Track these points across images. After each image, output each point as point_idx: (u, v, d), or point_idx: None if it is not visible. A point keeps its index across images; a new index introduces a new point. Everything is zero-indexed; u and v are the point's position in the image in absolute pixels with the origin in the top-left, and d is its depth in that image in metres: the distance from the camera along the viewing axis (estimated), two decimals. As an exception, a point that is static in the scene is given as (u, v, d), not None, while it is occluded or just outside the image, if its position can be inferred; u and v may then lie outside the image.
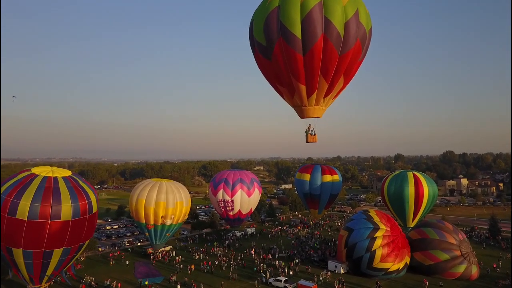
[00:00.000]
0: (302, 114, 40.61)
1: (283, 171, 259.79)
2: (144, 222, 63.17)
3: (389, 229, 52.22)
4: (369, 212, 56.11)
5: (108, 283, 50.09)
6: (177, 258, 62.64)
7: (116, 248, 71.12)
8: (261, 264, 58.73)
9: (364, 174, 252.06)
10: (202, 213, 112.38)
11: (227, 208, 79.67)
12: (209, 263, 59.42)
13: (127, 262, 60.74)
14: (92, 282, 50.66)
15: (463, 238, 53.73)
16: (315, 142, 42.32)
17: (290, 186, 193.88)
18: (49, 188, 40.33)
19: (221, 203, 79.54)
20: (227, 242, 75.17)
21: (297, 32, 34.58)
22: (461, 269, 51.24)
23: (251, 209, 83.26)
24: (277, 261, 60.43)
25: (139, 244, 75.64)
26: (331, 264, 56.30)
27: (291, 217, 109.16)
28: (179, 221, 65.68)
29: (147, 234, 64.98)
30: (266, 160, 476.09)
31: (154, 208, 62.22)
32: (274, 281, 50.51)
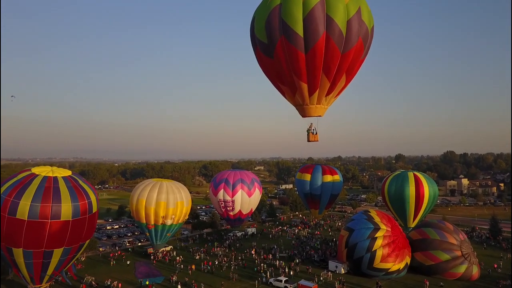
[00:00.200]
0: (303, 113, 40.42)
1: (283, 171, 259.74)
2: (144, 222, 63.18)
3: (389, 229, 52.17)
4: (370, 212, 56.07)
5: (108, 283, 50.09)
6: (178, 258, 62.62)
7: (117, 248, 71.14)
8: (262, 264, 58.71)
9: (364, 174, 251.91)
10: (203, 213, 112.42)
11: (228, 208, 79.65)
12: (210, 263, 59.42)
13: (128, 262, 60.74)
14: (93, 282, 50.66)
15: (463, 238, 53.67)
16: (317, 141, 42.17)
17: (290, 186, 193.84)
18: (49, 188, 40.32)
19: (222, 203, 79.53)
20: (227, 242, 75.16)
21: (299, 30, 34.39)
22: (462, 269, 51.18)
23: (251, 209, 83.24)
24: (277, 261, 60.39)
25: (139, 244, 75.65)
26: (331, 264, 56.26)
27: (291, 217, 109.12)
28: (179, 221, 65.68)
29: (147, 234, 64.98)
30: (266, 160, 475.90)
31: (154, 208, 62.21)
32: (275, 281, 50.48)
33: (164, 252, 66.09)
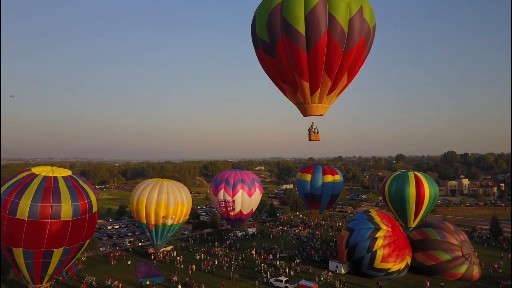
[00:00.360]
0: (305, 112, 40.19)
1: (284, 171, 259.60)
2: (145, 222, 63.18)
3: (390, 230, 52.12)
4: (370, 212, 56.01)
5: (109, 283, 50.05)
6: (178, 258, 62.58)
7: (117, 248, 71.13)
8: (262, 264, 58.65)
9: (365, 174, 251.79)
10: (203, 213, 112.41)
11: (228, 208, 79.62)
12: (210, 263, 59.37)
13: (129, 262, 60.72)
14: (93, 282, 50.62)
15: (464, 238, 53.59)
16: (318, 140, 42.00)
17: (291, 186, 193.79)
18: (49, 187, 40.31)
19: (222, 203, 79.50)
20: (228, 242, 75.12)
21: (301, 28, 34.22)
22: (463, 269, 51.11)
23: (252, 209, 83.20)
24: (278, 261, 60.34)
25: (140, 244, 75.64)
26: (332, 264, 56.20)
27: (292, 217, 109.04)
28: (180, 221, 65.67)
29: (148, 234, 64.98)
30: (267, 160, 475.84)
31: (155, 208, 62.20)
32: (275, 281, 50.43)
33: (165, 252, 66.07)
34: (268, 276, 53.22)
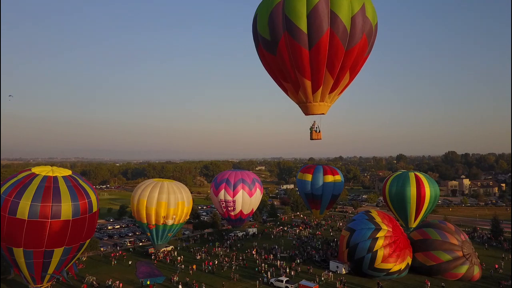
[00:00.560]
0: (306, 110, 39.92)
1: (284, 171, 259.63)
2: (145, 222, 63.17)
3: (391, 230, 52.06)
4: (371, 212, 55.96)
5: (109, 283, 50.04)
6: (179, 258, 62.57)
7: (118, 248, 71.15)
8: (263, 265, 58.61)
9: (366, 174, 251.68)
10: (204, 213, 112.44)
11: (229, 208, 79.60)
12: (211, 263, 59.32)
13: (130, 262, 60.71)
14: (94, 282, 50.62)
15: (465, 238, 53.50)
16: (320, 139, 41.79)
17: (291, 186, 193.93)
18: (49, 187, 40.32)
19: (223, 203, 79.48)
20: (228, 242, 75.07)
21: (303, 26, 33.99)
22: (463, 269, 51.03)
23: (252, 209, 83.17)
24: (278, 262, 60.30)
25: (140, 244, 75.64)
26: (332, 265, 56.15)
27: (292, 217, 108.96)
28: (180, 221, 65.64)
29: (148, 234, 64.97)
30: (267, 160, 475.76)
31: (155, 208, 62.19)
32: (276, 281, 50.37)
33: (165, 252, 66.06)
34: (269, 276, 53.17)
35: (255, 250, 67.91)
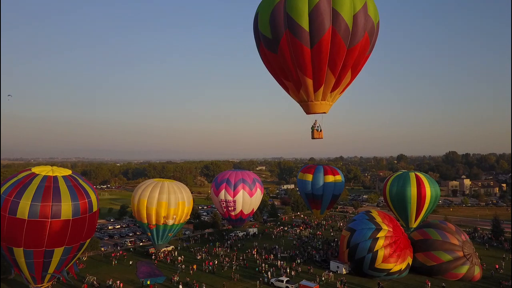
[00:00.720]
0: (308, 109, 39.68)
1: (285, 171, 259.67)
2: (146, 222, 63.16)
3: (391, 230, 52.03)
4: (372, 212, 55.91)
5: (110, 282, 50.03)
6: (179, 258, 62.54)
7: (119, 248, 71.14)
8: (263, 265, 58.59)
9: (366, 174, 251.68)
10: (204, 213, 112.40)
11: (229, 208, 79.60)
12: (211, 263, 59.31)
13: (131, 262, 60.70)
14: (94, 282, 50.61)
15: (465, 239, 53.45)
16: (321, 138, 41.56)
17: (292, 186, 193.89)
18: (49, 187, 40.30)
19: (223, 203, 79.48)
20: (229, 242, 75.07)
21: (305, 24, 33.76)
22: (464, 270, 50.97)
23: (253, 209, 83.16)
24: (279, 262, 60.27)
25: (141, 244, 75.63)
26: (333, 265, 56.12)
27: (293, 217, 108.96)
28: (181, 221, 65.62)
29: (149, 234, 64.96)
30: (268, 160, 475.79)
31: (156, 208, 62.18)
32: (276, 281, 50.33)
33: (166, 252, 66.06)
34: (269, 276, 53.14)
35: (255, 250, 67.90)
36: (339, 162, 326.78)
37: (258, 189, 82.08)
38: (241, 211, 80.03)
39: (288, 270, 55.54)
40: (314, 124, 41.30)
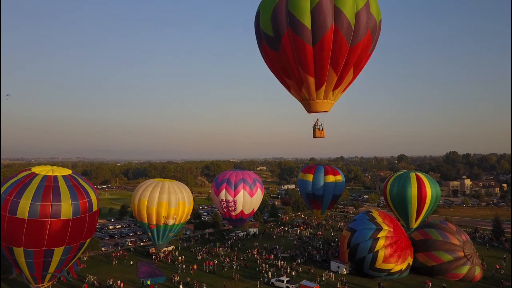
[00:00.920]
0: (309, 108, 39.47)
1: (285, 171, 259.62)
2: (146, 222, 63.17)
3: (392, 230, 51.99)
4: (372, 212, 55.87)
5: (110, 282, 50.05)
6: (180, 258, 62.56)
7: (119, 248, 71.15)
8: (264, 265, 58.58)
9: (367, 174, 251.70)
10: (205, 213, 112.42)
11: (230, 208, 79.59)
12: (212, 263, 59.31)
13: (131, 262, 60.71)
14: (95, 282, 50.64)
15: (466, 239, 53.40)
16: (323, 137, 41.36)
17: (292, 186, 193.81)
18: (49, 187, 40.32)
19: (224, 203, 79.47)
20: (229, 242, 75.07)
21: (307, 21, 33.55)
22: (464, 270, 50.93)
23: (253, 209, 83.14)
24: (279, 262, 60.24)
25: (141, 244, 75.66)
26: (333, 265, 56.10)
27: (293, 217, 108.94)
28: (181, 221, 65.62)
29: (149, 234, 64.98)
30: (269, 160, 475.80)
31: (156, 208, 62.18)
32: (277, 281, 50.31)
33: (166, 252, 66.08)
34: (270, 276, 53.13)
35: (256, 250, 67.88)
36: (340, 162, 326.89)
37: (258, 189, 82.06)
38: (242, 211, 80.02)
39: (288, 270, 55.52)
40: (315, 123, 41.13)
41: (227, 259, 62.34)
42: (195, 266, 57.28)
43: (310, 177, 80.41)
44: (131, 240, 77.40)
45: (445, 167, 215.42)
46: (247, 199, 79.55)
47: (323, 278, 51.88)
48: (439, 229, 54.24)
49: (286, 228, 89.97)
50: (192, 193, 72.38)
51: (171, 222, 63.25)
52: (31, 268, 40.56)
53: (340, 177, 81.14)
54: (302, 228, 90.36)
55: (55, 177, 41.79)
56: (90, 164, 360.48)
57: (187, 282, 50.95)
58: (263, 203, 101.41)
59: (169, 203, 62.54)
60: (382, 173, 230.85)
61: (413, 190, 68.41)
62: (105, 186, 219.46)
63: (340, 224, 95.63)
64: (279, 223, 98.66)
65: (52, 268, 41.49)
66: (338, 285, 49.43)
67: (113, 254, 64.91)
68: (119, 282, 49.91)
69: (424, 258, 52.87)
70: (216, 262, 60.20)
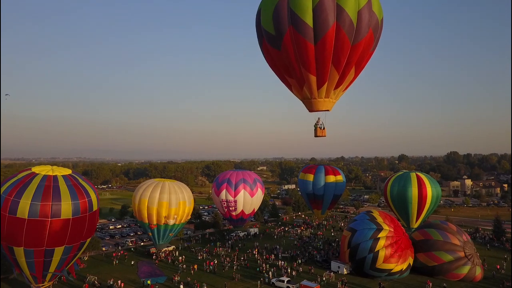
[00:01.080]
0: (311, 107, 39.30)
1: (286, 171, 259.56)
2: (147, 222, 63.19)
3: (392, 230, 51.96)
4: (373, 212, 55.84)
5: (111, 282, 50.05)
6: (180, 258, 62.57)
7: (120, 247, 71.16)
8: (264, 265, 58.56)
9: (367, 174, 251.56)
10: (205, 213, 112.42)
11: (230, 208, 79.59)
12: (212, 263, 59.30)
13: (132, 262, 60.72)
14: (96, 282, 50.65)
15: (467, 239, 53.36)
16: (324, 136, 41.27)
17: (293, 186, 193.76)
18: (49, 186, 40.35)
19: (224, 203, 79.47)
20: (230, 242, 75.07)
21: (309, 20, 33.37)
22: (465, 270, 50.90)
23: (254, 209, 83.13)
24: (280, 262, 60.23)
25: (142, 244, 75.67)
26: (334, 265, 56.08)
27: (294, 217, 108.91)
28: (182, 221, 65.64)
29: (150, 234, 65.00)
30: (269, 160, 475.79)
31: (157, 208, 62.20)
32: (277, 281, 50.31)
33: (167, 252, 66.09)
34: (270, 276, 53.11)
35: (256, 250, 67.87)
36: (340, 162, 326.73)
37: (259, 189, 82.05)
38: (242, 211, 80.00)
39: (289, 270, 55.50)
40: (317, 121, 41.04)
41: (228, 259, 62.33)
42: (195, 266, 57.28)
43: (310, 177, 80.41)
44: (132, 240, 77.41)
45: (445, 167, 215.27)
46: (247, 199, 79.54)
47: (324, 278, 51.85)
48: (440, 229, 54.20)
49: (286, 228, 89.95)
50: (192, 193, 72.40)
51: (171, 222, 63.27)
52: (32, 268, 40.58)
53: (340, 177, 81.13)
54: (302, 228, 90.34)
55: (55, 177, 41.81)
56: (91, 164, 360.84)
57: (188, 282, 50.95)
58: (264, 203, 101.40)
59: (169, 203, 62.56)
60: (382, 173, 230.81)
61: (414, 190, 68.38)
62: (105, 186, 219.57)
63: (341, 224, 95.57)
64: (280, 223, 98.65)
65: (52, 268, 41.52)
66: (339, 285, 49.40)
67: (114, 254, 64.92)
68: (119, 282, 49.93)
69: (425, 258, 52.84)
70: (216, 262, 60.21)
